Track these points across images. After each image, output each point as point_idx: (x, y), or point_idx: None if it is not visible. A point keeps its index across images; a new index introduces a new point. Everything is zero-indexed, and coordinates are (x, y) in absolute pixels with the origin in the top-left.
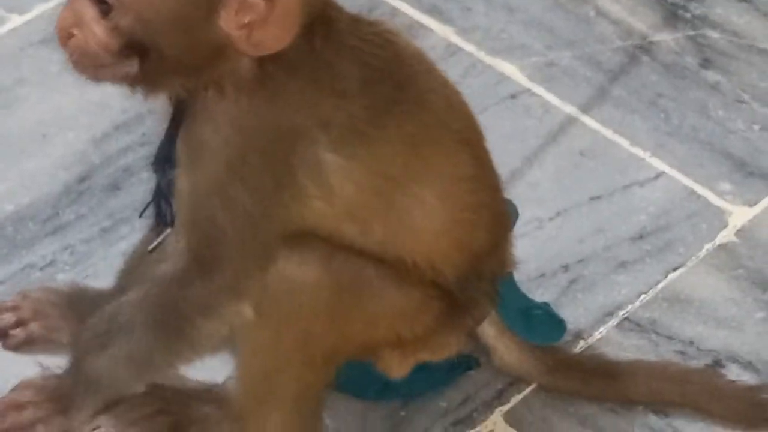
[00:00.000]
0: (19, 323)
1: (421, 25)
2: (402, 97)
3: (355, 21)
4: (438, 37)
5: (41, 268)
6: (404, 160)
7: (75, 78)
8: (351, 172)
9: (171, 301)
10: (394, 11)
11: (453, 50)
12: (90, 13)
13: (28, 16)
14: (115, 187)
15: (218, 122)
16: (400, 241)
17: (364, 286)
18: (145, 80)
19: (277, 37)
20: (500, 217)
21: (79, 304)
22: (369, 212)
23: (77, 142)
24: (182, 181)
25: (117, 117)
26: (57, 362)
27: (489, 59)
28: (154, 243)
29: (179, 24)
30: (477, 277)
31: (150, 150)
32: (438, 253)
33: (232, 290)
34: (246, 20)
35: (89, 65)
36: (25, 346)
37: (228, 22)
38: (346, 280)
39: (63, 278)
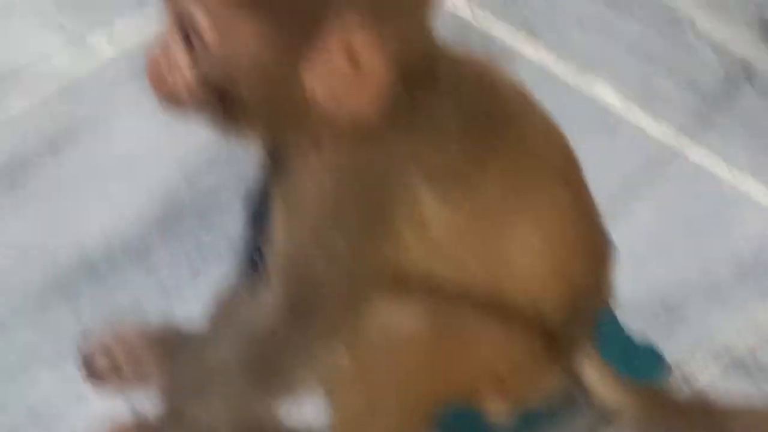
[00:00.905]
0: (112, 367)
1: (517, 51)
2: (501, 137)
3: (454, 61)
4: (535, 61)
5: (132, 306)
6: (503, 200)
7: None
8: (449, 216)
9: (267, 349)
10: (487, 35)
11: (547, 74)
12: (180, 54)
13: (118, 38)
14: (207, 222)
15: (315, 170)
16: (500, 280)
17: (464, 329)
18: (231, 126)
19: (361, 103)
20: (601, 251)
21: (172, 345)
22: (467, 254)
23: (169, 174)
24: (278, 229)
25: (212, 148)
26: (149, 406)
27: (586, 81)
28: (246, 291)
29: (261, 76)
30: (577, 312)
31: (244, 183)
32: (539, 290)
33: (328, 338)
34: (329, 82)
35: (176, 106)
36: (117, 389)
37: (312, 82)
38: (446, 325)
39: (154, 317)
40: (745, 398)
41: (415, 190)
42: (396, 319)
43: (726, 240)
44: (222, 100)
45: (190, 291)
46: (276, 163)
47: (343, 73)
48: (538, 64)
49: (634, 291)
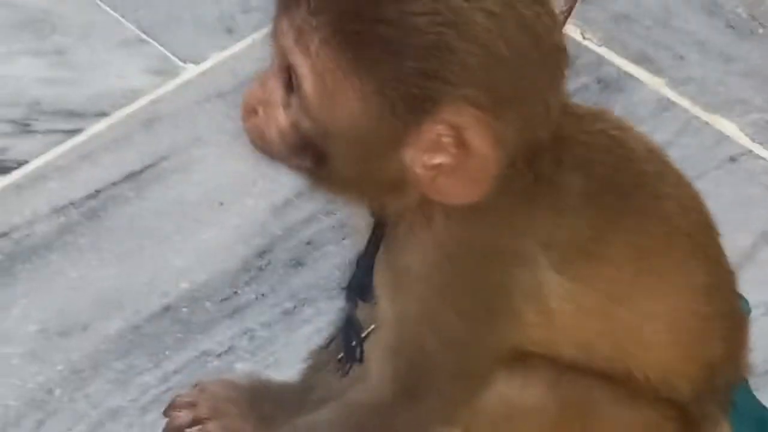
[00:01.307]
0: (196, 422)
1: (630, 76)
2: (630, 206)
3: (578, 119)
4: (648, 89)
5: (218, 356)
6: (632, 276)
7: None
8: (573, 295)
9: (374, 426)
10: (600, 60)
11: (665, 105)
12: (278, 96)
13: (203, 66)
14: (297, 263)
15: (425, 246)
16: (630, 357)
17: (591, 407)
18: (319, 183)
19: (464, 190)
20: (736, 323)
21: (260, 401)
22: (593, 333)
23: (256, 210)
24: (385, 308)
25: (299, 182)
26: None
27: (706, 116)
28: (345, 369)
29: (360, 147)
30: (712, 388)
31: (335, 220)
32: (671, 367)
33: (441, 418)
34: (434, 163)
35: (264, 147)
36: None
37: (414, 160)
38: (573, 402)
39: (242, 367)
40: None
41: (535, 268)
42: (517, 392)
43: None
44: (312, 154)
45: (282, 340)
46: (381, 239)
47: (449, 152)
48: (654, 90)
49: (764, 348)
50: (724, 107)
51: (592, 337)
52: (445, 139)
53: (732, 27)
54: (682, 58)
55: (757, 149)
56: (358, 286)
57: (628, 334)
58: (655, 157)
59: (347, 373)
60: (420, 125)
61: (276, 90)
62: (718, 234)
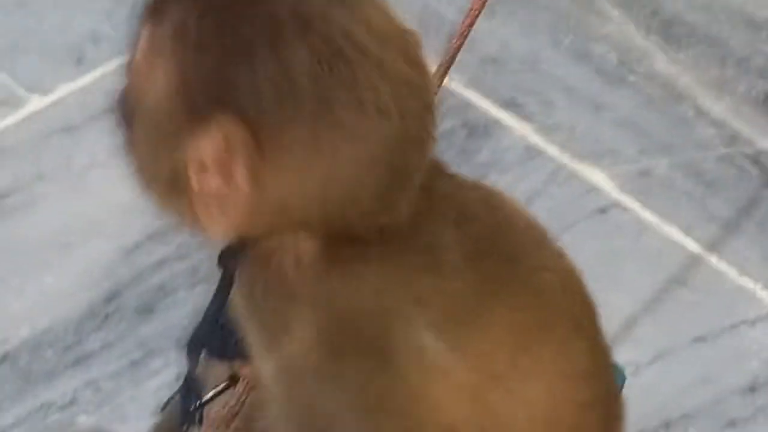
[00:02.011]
0: None
1: (497, 122)
2: (511, 274)
3: (456, 182)
4: (516, 136)
5: (61, 408)
6: (510, 354)
7: (102, 176)
8: (449, 366)
9: None
10: (467, 105)
11: (533, 153)
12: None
13: (51, 98)
14: (147, 310)
15: (298, 300)
16: None
17: None
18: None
19: (222, 225)
20: (614, 408)
21: None
22: (460, 418)
23: (104, 253)
24: (262, 364)
25: (150, 224)
26: None
27: (574, 164)
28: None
29: (152, 124)
30: None
31: (188, 265)
32: None
33: None
34: (205, 187)
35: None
36: None
37: (191, 175)
38: None
39: (85, 420)
40: None
41: (416, 331)
42: None
43: (733, 350)
44: (124, 117)
45: (128, 392)
46: (230, 286)
47: (213, 177)
48: (522, 137)
49: (632, 409)
50: (594, 156)
51: (458, 423)
52: (213, 153)
53: (602, 73)
54: (550, 104)
55: (627, 201)
56: (202, 340)
57: (498, 424)
58: (534, 228)
59: None
60: (200, 125)
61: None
62: (596, 312)
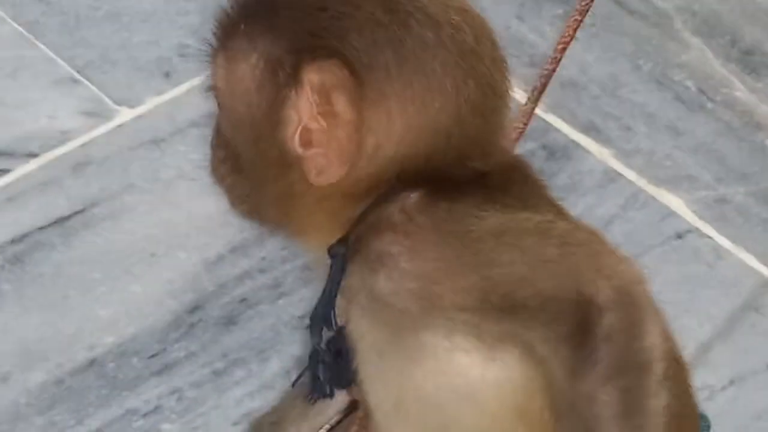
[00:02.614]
0: None
1: (577, 145)
2: None
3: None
4: (595, 159)
5: (144, 415)
6: None
7: (188, 188)
8: None
9: None
10: (547, 127)
11: (612, 176)
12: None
13: (139, 111)
14: (229, 321)
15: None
16: None
17: None
18: (258, 210)
19: (331, 162)
20: None
21: None
22: None
23: (188, 264)
24: (372, 379)
25: (234, 236)
26: None
27: (652, 189)
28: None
29: (249, 128)
30: None
31: (270, 278)
32: None
33: None
34: (306, 134)
35: (222, 189)
36: None
37: (291, 138)
38: None
39: (168, 429)
40: None
41: None
42: None
43: None
44: (229, 158)
45: (211, 401)
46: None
47: (315, 124)
48: (601, 161)
49: None
50: (672, 182)
51: None
52: (315, 105)
53: (681, 100)
54: (629, 129)
55: (703, 227)
56: (322, 316)
57: None
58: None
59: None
60: (295, 90)
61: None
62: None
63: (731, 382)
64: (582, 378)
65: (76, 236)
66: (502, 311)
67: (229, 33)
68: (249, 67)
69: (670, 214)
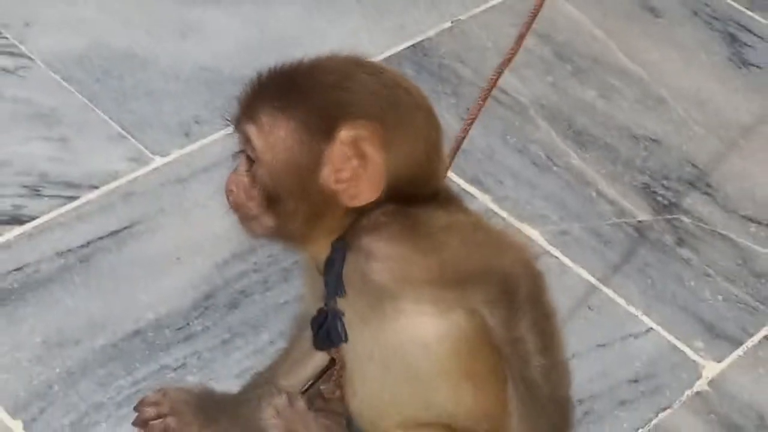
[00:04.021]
0: (159, 416)
1: (466, 192)
2: None
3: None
4: (479, 202)
5: (174, 369)
6: None
7: (203, 212)
8: None
9: None
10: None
11: (490, 215)
12: (244, 170)
13: (168, 159)
14: (233, 306)
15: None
16: None
17: None
18: (281, 229)
19: (365, 191)
20: None
21: (207, 404)
22: None
23: (204, 266)
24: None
25: (235, 247)
26: None
27: (518, 224)
28: (309, 384)
29: (295, 174)
30: None
31: (261, 276)
32: None
33: None
34: (343, 174)
35: (243, 217)
36: None
37: (329, 177)
38: None
39: (192, 379)
40: None
41: None
42: None
43: (623, 354)
44: (267, 199)
45: (221, 361)
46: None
47: (353, 166)
48: (483, 203)
49: None
50: (530, 219)
51: None
52: (348, 153)
53: (536, 164)
54: (501, 182)
55: (553, 251)
56: (334, 288)
57: None
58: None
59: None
60: (330, 145)
61: (242, 168)
62: None
63: (573, 356)
64: (514, 327)
65: (125, 245)
66: (452, 283)
67: (258, 107)
68: (289, 131)
69: (530, 241)
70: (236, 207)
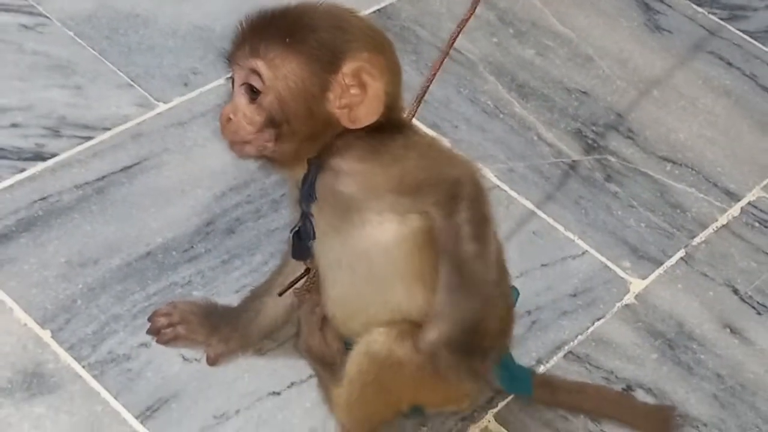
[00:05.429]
0: (170, 325)
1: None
2: None
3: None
4: None
5: (182, 286)
6: None
7: (202, 150)
8: None
9: None
10: None
11: None
12: (243, 101)
13: (170, 105)
14: (230, 231)
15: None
16: None
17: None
18: (277, 150)
19: (366, 114)
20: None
21: (211, 314)
22: None
23: (205, 197)
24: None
25: (231, 181)
26: (194, 354)
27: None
28: (285, 288)
29: (304, 101)
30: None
31: (254, 206)
32: None
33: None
34: (346, 101)
35: (239, 141)
36: (173, 342)
37: (334, 103)
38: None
39: (197, 294)
40: (580, 379)
41: None
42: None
43: (564, 272)
44: (272, 125)
45: (221, 279)
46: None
47: (355, 92)
48: None
49: None
50: (482, 158)
51: None
52: (352, 82)
53: (486, 112)
54: (456, 127)
55: (501, 185)
56: (307, 195)
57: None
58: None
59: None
60: (336, 74)
61: (241, 98)
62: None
63: (521, 274)
64: (453, 218)
65: (136, 178)
66: (410, 189)
67: (264, 44)
68: (299, 63)
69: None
70: (233, 133)
